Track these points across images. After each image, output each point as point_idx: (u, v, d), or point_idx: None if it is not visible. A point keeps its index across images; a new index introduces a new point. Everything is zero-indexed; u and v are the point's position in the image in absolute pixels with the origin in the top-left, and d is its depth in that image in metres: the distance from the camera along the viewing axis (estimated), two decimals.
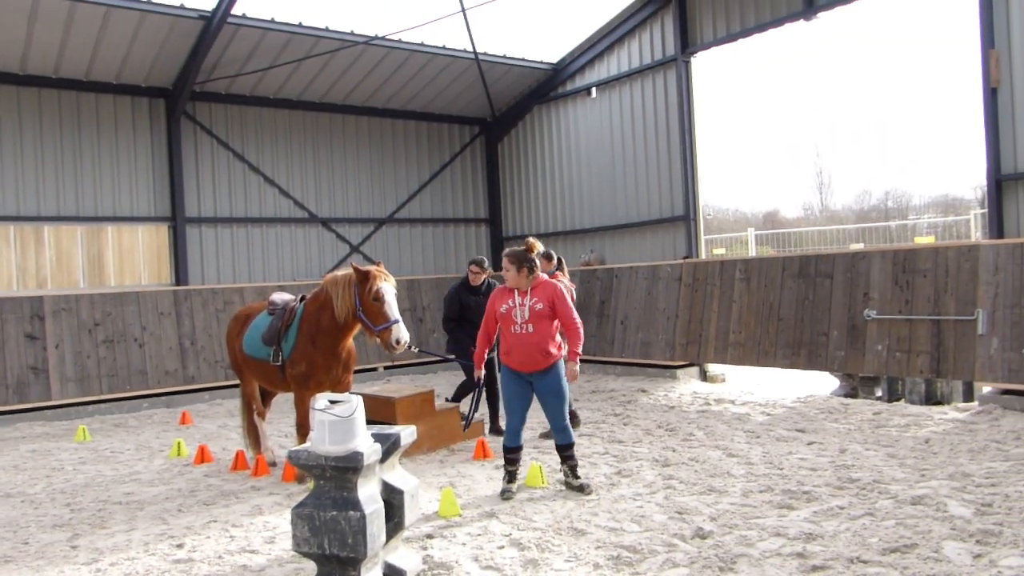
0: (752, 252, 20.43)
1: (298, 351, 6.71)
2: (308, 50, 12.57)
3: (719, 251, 21.65)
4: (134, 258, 12.54)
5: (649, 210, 13.18)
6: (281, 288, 13.00)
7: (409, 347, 6.41)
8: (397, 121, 15.30)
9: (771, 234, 24.02)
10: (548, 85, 14.93)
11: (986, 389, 8.73)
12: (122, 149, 12.43)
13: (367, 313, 6.37)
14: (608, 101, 13.89)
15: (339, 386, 6.80)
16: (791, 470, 6.43)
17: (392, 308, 6.32)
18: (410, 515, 4.40)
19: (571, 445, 6.17)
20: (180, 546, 5.23)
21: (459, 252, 16.10)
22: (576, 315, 6.09)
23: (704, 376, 12.14)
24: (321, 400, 4.13)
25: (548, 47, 14.65)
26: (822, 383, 11.65)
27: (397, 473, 4.48)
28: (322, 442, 4.03)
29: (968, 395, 9.96)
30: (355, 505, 3.98)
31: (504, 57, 14.25)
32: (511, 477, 6.14)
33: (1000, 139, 9.09)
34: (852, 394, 10.94)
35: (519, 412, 6.11)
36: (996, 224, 9.15)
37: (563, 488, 6.21)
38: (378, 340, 6.43)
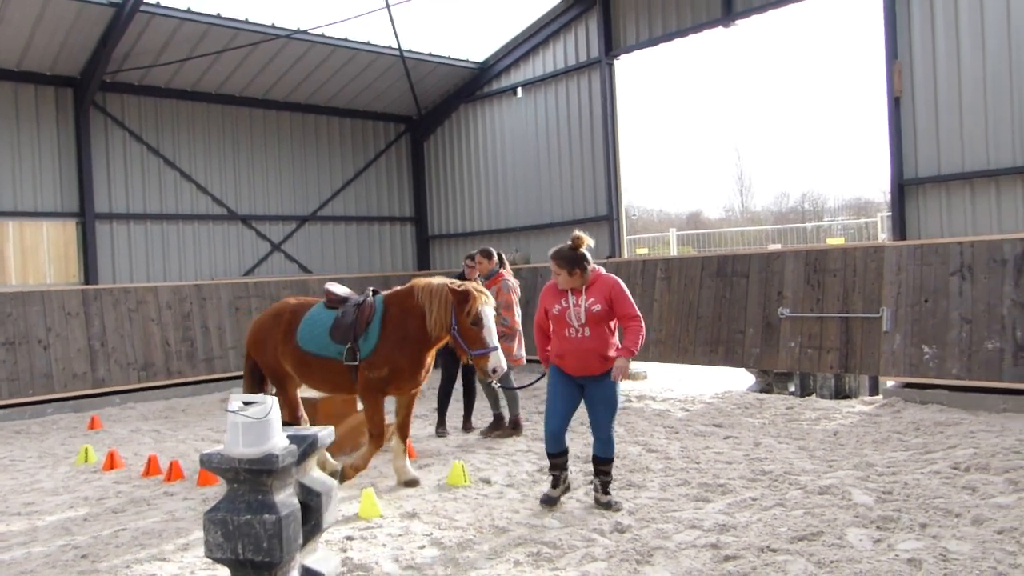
0: (674, 252, 20.90)
1: (381, 354, 6.17)
2: (227, 42, 12.22)
3: (642, 251, 22.07)
4: (38, 255, 11.94)
5: (573, 210, 13.33)
6: (198, 287, 12.62)
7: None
8: (320, 117, 15.03)
9: (693, 234, 24.65)
10: (474, 84, 14.93)
11: (890, 383, 9.16)
12: (24, 140, 11.80)
13: (463, 336, 5.97)
14: (533, 101, 13.98)
15: (413, 391, 6.45)
16: (708, 464, 6.60)
17: (492, 334, 5.94)
18: (328, 517, 4.33)
19: (611, 460, 5.57)
20: (84, 556, 5.01)
21: (383, 251, 15.94)
22: (636, 309, 5.41)
23: None
24: (234, 401, 4.02)
25: (474, 46, 14.72)
26: (739, 379, 12.01)
27: (315, 475, 4.39)
28: (235, 444, 3.92)
29: (874, 389, 10.43)
30: (270, 508, 3.88)
31: (429, 55, 14.17)
32: (555, 482, 5.61)
33: (903, 146, 9.55)
34: (767, 390, 11.31)
35: (563, 414, 5.47)
36: (899, 226, 9.61)
37: (593, 503, 5.65)
38: (470, 361, 6.10)
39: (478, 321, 5.89)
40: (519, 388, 6.85)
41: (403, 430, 6.50)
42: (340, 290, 6.70)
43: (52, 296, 11.23)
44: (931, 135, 9.32)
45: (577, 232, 5.44)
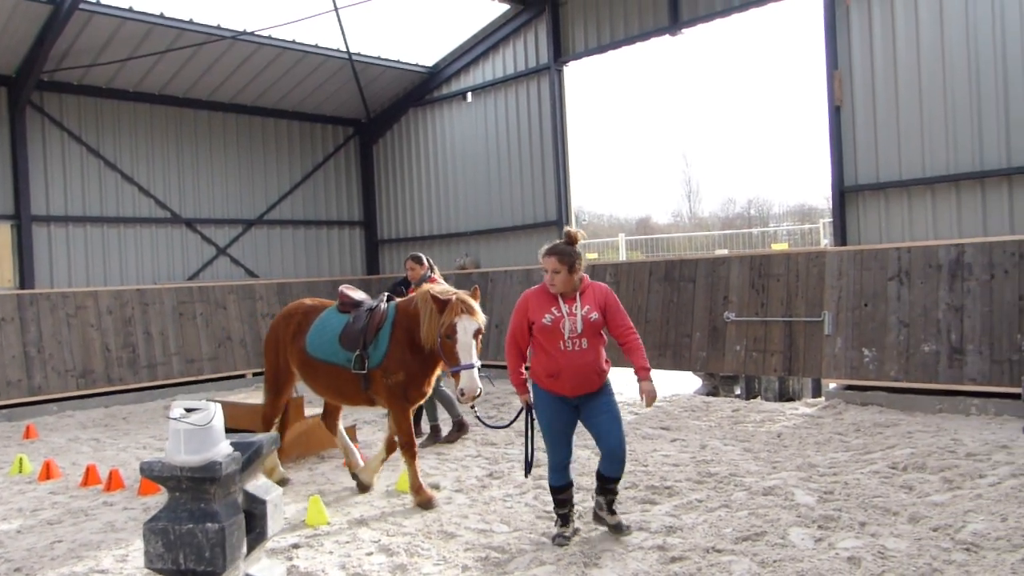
0: (622, 257, 21.12)
1: (394, 359, 5.82)
2: (170, 43, 11.96)
3: (591, 256, 22.23)
4: None
5: (523, 214, 13.38)
6: (140, 292, 12.30)
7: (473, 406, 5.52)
8: (267, 119, 14.80)
9: (642, 240, 24.93)
10: (424, 88, 14.89)
11: (831, 385, 9.40)
12: None
13: (443, 348, 5.45)
14: (483, 106, 14.00)
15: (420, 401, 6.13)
16: (655, 466, 6.68)
17: (465, 349, 5.30)
18: (273, 525, 4.25)
19: (618, 479, 4.95)
20: (18, 570, 4.83)
21: (332, 255, 15.76)
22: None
23: None
24: (176, 408, 3.93)
25: (424, 50, 14.58)
26: (686, 382, 12.19)
27: (260, 482, 4.32)
28: (177, 452, 3.83)
29: (816, 391, 10.71)
30: (213, 517, 3.81)
31: (379, 58, 14.08)
32: (564, 521, 4.95)
33: (843, 154, 9.81)
34: (714, 392, 11.51)
35: (567, 443, 4.88)
36: (840, 232, 9.88)
37: (594, 523, 5.14)
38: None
39: (451, 334, 5.35)
40: (500, 427, 6.58)
41: (393, 445, 6.21)
42: (355, 294, 6.38)
43: None
44: (870, 143, 9.60)
45: (569, 228, 4.92)
